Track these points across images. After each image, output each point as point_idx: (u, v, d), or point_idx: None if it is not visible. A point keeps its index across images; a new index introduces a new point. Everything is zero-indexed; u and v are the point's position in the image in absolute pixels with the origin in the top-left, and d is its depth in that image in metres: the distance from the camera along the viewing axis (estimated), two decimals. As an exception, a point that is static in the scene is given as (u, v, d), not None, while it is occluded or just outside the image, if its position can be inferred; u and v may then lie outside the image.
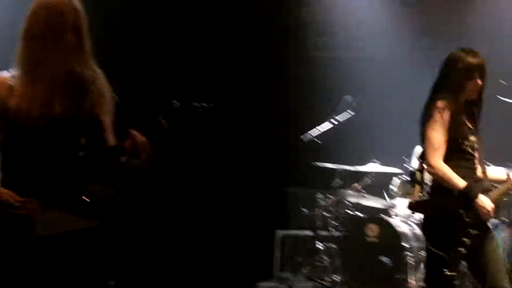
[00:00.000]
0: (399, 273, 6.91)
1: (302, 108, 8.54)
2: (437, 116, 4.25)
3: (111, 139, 3.34)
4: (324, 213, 7.50)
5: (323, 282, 7.31)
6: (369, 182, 7.45)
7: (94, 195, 3.19)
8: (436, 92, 4.37)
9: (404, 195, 7.25)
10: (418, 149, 7.87)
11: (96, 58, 3.38)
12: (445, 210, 4.21)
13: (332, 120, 7.11)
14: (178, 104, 3.27)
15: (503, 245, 6.73)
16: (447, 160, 4.24)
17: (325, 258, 7.50)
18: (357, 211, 7.46)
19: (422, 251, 7.07)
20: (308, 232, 7.86)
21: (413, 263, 6.92)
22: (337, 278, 7.18)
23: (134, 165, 3.25)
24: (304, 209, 7.96)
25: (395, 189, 7.36)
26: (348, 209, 7.48)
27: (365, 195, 7.48)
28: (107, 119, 3.33)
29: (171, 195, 8.16)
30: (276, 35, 8.76)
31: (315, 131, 7.09)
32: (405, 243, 6.92)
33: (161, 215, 8.04)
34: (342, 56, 8.92)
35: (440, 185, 4.32)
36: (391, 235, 6.95)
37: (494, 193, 4.32)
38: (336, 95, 7.64)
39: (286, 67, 8.84)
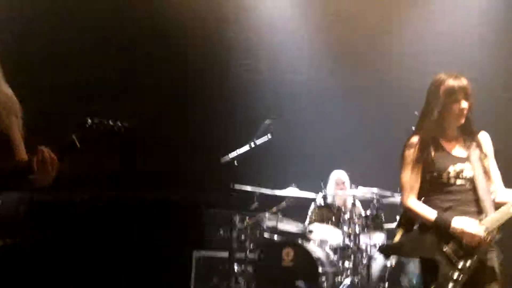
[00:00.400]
0: (313, 298, 6.96)
1: (222, 130, 8.54)
2: (405, 153, 4.14)
3: (22, 155, 3.28)
4: (241, 235, 7.48)
5: (238, 306, 7.27)
6: (286, 206, 7.47)
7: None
8: (419, 122, 4.21)
9: (321, 220, 7.32)
10: (335, 174, 8.03)
11: (8, 76, 3.33)
12: (420, 250, 4.00)
13: (252, 143, 7.10)
14: (93, 122, 3.24)
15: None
16: (426, 197, 4.07)
17: (241, 280, 7.49)
18: (274, 234, 7.47)
19: (337, 277, 7.19)
20: (225, 254, 7.81)
21: (327, 288, 6.98)
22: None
23: (40, 181, 3.21)
24: (221, 231, 7.93)
25: (312, 214, 7.40)
26: (265, 232, 7.49)
27: (282, 219, 7.51)
28: (17, 135, 3.27)
29: (85, 214, 7.99)
30: (197, 55, 8.74)
31: (234, 154, 7.07)
32: (320, 268, 6.97)
33: (75, 234, 7.87)
34: (265, 78, 8.95)
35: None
36: (307, 260, 6.99)
37: (495, 216, 3.92)
38: (257, 118, 7.64)
39: (209, 89, 8.82)
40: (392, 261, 7.00)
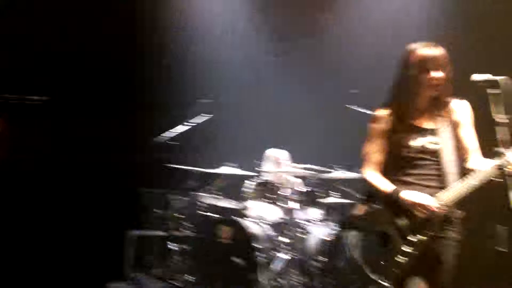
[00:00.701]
0: (250, 274, 7.00)
1: (157, 109, 8.48)
2: (370, 125, 4.07)
3: None
4: (177, 214, 7.48)
5: (175, 283, 7.28)
6: (222, 184, 7.50)
7: None
8: (391, 91, 4.07)
9: (257, 197, 7.37)
10: (269, 152, 8.08)
11: None
12: (375, 224, 3.96)
13: (187, 122, 7.08)
14: (14, 97, 3.17)
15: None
16: (388, 171, 4.00)
17: (177, 259, 7.50)
18: (210, 212, 7.50)
19: (273, 252, 7.27)
20: (161, 233, 7.81)
21: (264, 263, 7.05)
22: (189, 278, 7.17)
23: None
24: (157, 210, 7.91)
25: (247, 191, 7.45)
26: (201, 210, 7.51)
27: (218, 196, 7.54)
28: None
29: (15, 194, 7.83)
30: (131, 35, 8.62)
31: (169, 133, 7.05)
32: (256, 244, 7.03)
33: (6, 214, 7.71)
34: (199, 57, 8.92)
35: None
36: (243, 236, 7.03)
37: (452, 190, 3.79)
38: (191, 98, 7.63)
39: (142, 68, 8.74)
40: (329, 235, 7.12)
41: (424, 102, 3.95)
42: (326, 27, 8.61)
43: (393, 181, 3.94)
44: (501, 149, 3.53)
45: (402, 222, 3.84)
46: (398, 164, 3.94)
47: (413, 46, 3.96)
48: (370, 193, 4.09)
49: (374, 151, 4.04)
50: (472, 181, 3.70)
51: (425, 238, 3.78)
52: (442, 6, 7.80)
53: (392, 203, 3.86)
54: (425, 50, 3.88)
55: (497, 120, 3.53)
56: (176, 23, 8.80)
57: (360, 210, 4.08)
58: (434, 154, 3.87)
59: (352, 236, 6.90)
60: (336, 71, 8.46)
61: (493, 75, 3.67)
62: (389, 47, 7.90)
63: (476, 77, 3.71)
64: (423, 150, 3.90)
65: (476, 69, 3.84)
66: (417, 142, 3.91)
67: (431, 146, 3.89)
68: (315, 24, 8.68)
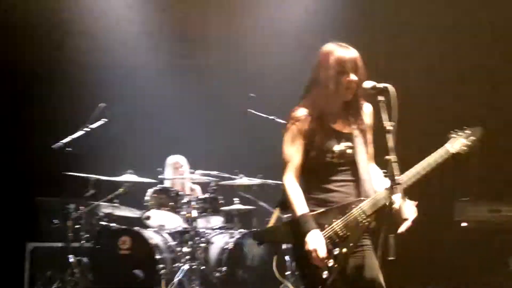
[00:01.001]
0: (152, 285, 6.84)
1: (56, 115, 8.20)
2: (289, 127, 3.82)
3: None
4: (76, 224, 7.21)
5: (74, 297, 7.02)
6: (123, 192, 7.27)
7: None
8: (305, 92, 3.89)
9: (158, 206, 7.20)
10: (172, 159, 7.93)
11: None
12: (294, 236, 3.71)
13: (86, 128, 6.85)
14: None
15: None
16: (309, 175, 3.81)
17: (77, 271, 7.24)
18: (111, 222, 7.27)
19: (176, 263, 7.11)
20: (60, 244, 7.51)
21: (166, 275, 6.88)
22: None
23: None
24: (55, 220, 7.63)
25: (149, 200, 7.26)
26: (101, 220, 7.27)
27: (119, 206, 7.31)
28: None
29: None
30: (30, 38, 8.35)
31: (67, 139, 6.79)
32: (158, 255, 6.86)
33: None
34: (101, 62, 8.69)
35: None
36: (144, 247, 6.87)
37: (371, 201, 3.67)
38: (91, 103, 7.37)
39: (41, 72, 8.44)
40: (230, 244, 7.02)
41: (341, 105, 3.83)
42: (227, 28, 8.51)
43: (315, 188, 3.77)
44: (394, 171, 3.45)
45: (325, 235, 3.63)
46: (320, 169, 3.78)
47: (331, 46, 3.80)
48: (286, 200, 3.81)
49: (294, 154, 3.78)
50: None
51: (348, 250, 3.63)
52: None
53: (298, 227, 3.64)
54: (345, 51, 3.75)
55: (386, 127, 3.48)
56: (78, 28, 8.53)
57: (273, 220, 4.00)
58: (352, 160, 3.76)
59: (253, 246, 6.90)
60: (238, 73, 8.42)
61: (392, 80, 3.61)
62: (290, 53, 8.02)
63: (365, 84, 3.67)
64: (343, 156, 3.77)
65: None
66: (340, 146, 3.77)
67: (351, 151, 3.77)
68: (217, 25, 8.57)
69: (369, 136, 3.90)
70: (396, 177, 3.42)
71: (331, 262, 3.58)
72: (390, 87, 3.55)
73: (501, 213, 6.85)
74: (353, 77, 3.71)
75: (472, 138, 3.85)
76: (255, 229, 7.34)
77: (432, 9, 8.02)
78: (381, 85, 3.60)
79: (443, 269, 7.17)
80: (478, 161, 7.02)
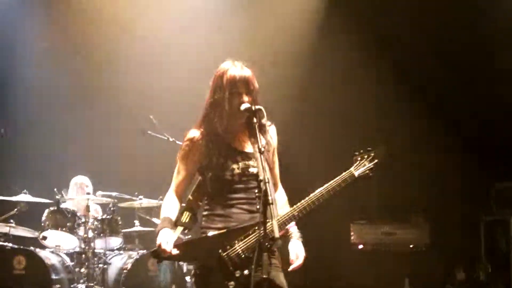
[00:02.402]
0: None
1: None
2: (182, 147, 3.81)
3: None
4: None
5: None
6: (18, 212, 7.17)
7: None
8: (203, 113, 3.83)
9: (55, 226, 7.14)
10: (77, 179, 7.89)
11: None
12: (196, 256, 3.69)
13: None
14: None
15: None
16: (213, 194, 3.76)
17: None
18: (7, 242, 7.13)
19: (73, 284, 7.07)
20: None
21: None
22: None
23: None
24: None
25: (46, 220, 7.19)
26: (-5, 241, 7.14)
27: (15, 226, 7.19)
28: None
29: None
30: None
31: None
32: (54, 275, 6.81)
33: None
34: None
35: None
36: (40, 267, 6.78)
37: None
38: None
39: None
40: (128, 264, 7.05)
41: (238, 125, 3.74)
42: (124, 46, 8.55)
43: (218, 206, 3.73)
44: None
45: (228, 255, 3.60)
46: (221, 188, 3.72)
47: (226, 65, 3.78)
48: (188, 218, 3.81)
49: (181, 171, 3.78)
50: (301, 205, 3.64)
51: (247, 272, 3.55)
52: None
53: (218, 236, 3.64)
54: (237, 71, 3.72)
55: (261, 149, 3.50)
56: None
57: (174, 239, 3.66)
58: (255, 178, 3.58)
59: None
60: (138, 98, 8.49)
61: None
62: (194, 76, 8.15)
63: (241, 107, 3.66)
64: (246, 174, 3.72)
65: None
66: (240, 165, 3.72)
67: (253, 170, 3.70)
68: (115, 42, 8.60)
69: (275, 157, 3.90)
70: (268, 197, 3.34)
71: (231, 285, 3.54)
72: (262, 108, 3.60)
73: (396, 236, 7.13)
74: (245, 97, 3.68)
75: (376, 161, 3.78)
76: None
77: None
78: (256, 107, 3.62)
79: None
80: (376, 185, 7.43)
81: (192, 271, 3.80)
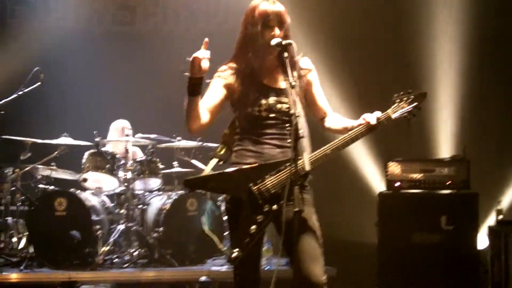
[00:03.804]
0: (88, 246, 6.95)
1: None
2: (213, 78, 3.78)
3: None
4: (13, 187, 7.25)
5: (12, 259, 7.06)
6: (59, 155, 7.33)
7: None
8: (235, 51, 3.82)
9: (95, 168, 7.26)
10: (117, 123, 7.99)
11: None
12: (226, 186, 3.68)
13: (20, 92, 6.82)
14: None
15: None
16: (241, 129, 3.78)
17: (15, 234, 7.30)
18: (48, 185, 7.31)
19: (113, 225, 7.23)
20: (-2, 207, 7.53)
21: (103, 236, 7.00)
22: (25, 253, 6.96)
23: None
24: (-8, 184, 7.62)
25: (86, 162, 7.32)
26: (38, 183, 7.32)
27: (56, 168, 7.36)
28: None
29: None
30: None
31: (1, 103, 6.75)
32: (94, 216, 6.96)
33: None
34: (36, 26, 8.63)
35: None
36: (80, 209, 6.95)
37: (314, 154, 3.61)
38: (27, 66, 7.32)
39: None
40: (167, 205, 7.16)
41: (271, 60, 3.74)
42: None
43: (247, 141, 3.74)
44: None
45: (257, 188, 3.59)
46: (250, 123, 3.74)
47: (256, 1, 3.75)
48: (224, 150, 3.83)
49: (208, 96, 3.73)
50: (335, 144, 3.64)
51: (276, 207, 3.56)
52: None
53: (251, 170, 3.62)
54: (269, 5, 3.70)
55: (291, 83, 3.51)
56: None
57: (208, 170, 3.72)
58: (285, 114, 3.67)
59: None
60: (173, 39, 8.48)
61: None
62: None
63: (272, 42, 3.63)
64: (272, 110, 3.72)
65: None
66: (268, 100, 3.72)
67: (283, 105, 3.71)
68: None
69: (316, 87, 3.91)
70: (299, 131, 3.39)
71: (260, 218, 3.56)
72: (293, 43, 3.60)
73: (434, 173, 7.06)
74: (277, 31, 3.68)
75: (415, 104, 3.78)
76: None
77: None
78: (286, 41, 3.62)
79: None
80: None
81: (224, 207, 3.82)
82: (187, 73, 3.57)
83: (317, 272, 3.57)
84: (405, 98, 3.78)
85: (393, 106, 3.77)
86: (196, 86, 3.58)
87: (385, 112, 3.74)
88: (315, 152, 3.65)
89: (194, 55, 3.51)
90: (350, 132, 3.69)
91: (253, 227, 3.56)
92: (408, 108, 3.77)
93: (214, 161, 3.80)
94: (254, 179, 3.61)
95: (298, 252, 3.55)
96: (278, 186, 3.59)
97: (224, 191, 3.83)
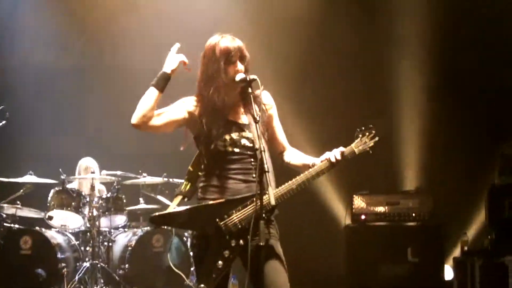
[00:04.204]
0: (54, 285, 6.89)
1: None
2: (178, 101, 3.78)
3: None
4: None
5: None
6: (24, 194, 7.26)
7: None
8: (198, 88, 3.83)
9: (60, 206, 7.23)
10: (84, 161, 7.96)
11: None
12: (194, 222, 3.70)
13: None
14: None
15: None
16: (207, 163, 3.75)
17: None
18: (14, 223, 7.23)
19: (79, 262, 7.17)
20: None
21: (68, 274, 6.96)
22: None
23: None
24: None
25: (51, 200, 7.28)
26: (2, 221, 7.23)
27: (21, 207, 7.29)
28: None
29: None
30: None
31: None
32: (59, 254, 6.91)
33: None
34: (1, 62, 8.64)
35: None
36: (46, 247, 6.90)
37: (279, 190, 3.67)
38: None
39: None
40: (132, 241, 7.13)
41: (233, 95, 3.79)
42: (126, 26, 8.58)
43: (212, 176, 3.74)
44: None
45: (225, 224, 3.63)
46: (214, 158, 3.73)
47: (216, 37, 3.80)
48: (189, 188, 3.81)
49: (167, 110, 3.75)
50: (300, 179, 3.70)
51: (242, 242, 3.60)
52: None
53: (216, 205, 3.66)
54: (229, 42, 3.75)
55: (256, 117, 3.59)
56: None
57: (173, 206, 3.74)
58: (249, 149, 3.72)
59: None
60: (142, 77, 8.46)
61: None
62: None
63: (236, 77, 3.69)
64: (239, 144, 3.73)
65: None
66: (233, 135, 3.73)
67: (247, 141, 3.74)
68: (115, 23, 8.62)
69: (276, 121, 3.95)
70: (264, 165, 3.44)
71: (226, 253, 3.59)
72: (257, 78, 3.63)
73: (399, 205, 7.16)
74: (240, 66, 3.73)
75: (376, 139, 3.88)
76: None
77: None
78: (251, 76, 3.67)
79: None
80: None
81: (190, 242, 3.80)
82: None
83: None
84: (367, 133, 3.87)
85: (356, 141, 3.85)
86: (165, 81, 3.73)
87: (349, 147, 3.82)
88: (281, 187, 3.69)
89: (182, 56, 3.74)
90: (315, 167, 3.76)
91: (220, 262, 3.59)
92: (370, 142, 3.86)
93: (178, 198, 3.81)
94: (220, 214, 3.64)
95: (266, 284, 3.58)
96: (244, 221, 3.62)
97: (190, 227, 3.86)
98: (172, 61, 3.78)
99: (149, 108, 3.71)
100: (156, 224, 3.86)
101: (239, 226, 3.62)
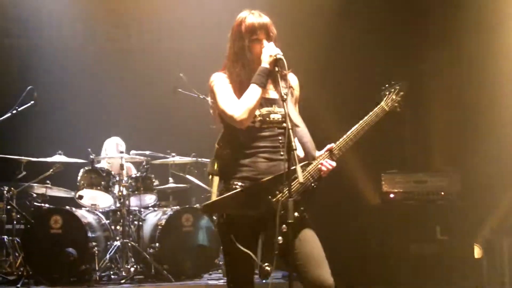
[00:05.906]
0: (85, 263, 6.95)
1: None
2: (218, 83, 3.69)
3: None
4: (8, 206, 7.25)
5: (8, 277, 7.06)
6: (54, 173, 7.34)
7: None
8: (226, 64, 3.78)
9: (90, 185, 7.29)
10: (111, 141, 8.02)
11: None
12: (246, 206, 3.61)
13: (14, 111, 6.83)
14: None
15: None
16: (234, 141, 3.68)
17: (9, 251, 7.29)
18: (44, 203, 7.32)
19: (109, 241, 7.24)
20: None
21: (99, 253, 7.00)
22: (22, 271, 6.95)
23: None
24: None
25: (81, 180, 7.34)
26: (34, 201, 7.33)
27: (51, 186, 7.38)
28: None
29: None
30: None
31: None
32: (90, 233, 6.97)
33: None
34: (30, 44, 8.68)
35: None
36: (76, 226, 6.95)
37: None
38: (20, 85, 7.36)
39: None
40: (162, 220, 7.18)
41: (252, 70, 3.68)
42: (157, 12, 8.58)
43: (238, 152, 3.66)
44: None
45: (275, 199, 3.57)
46: (243, 134, 3.65)
47: (243, 14, 3.75)
48: (223, 166, 3.72)
49: (229, 95, 3.66)
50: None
51: (298, 215, 3.54)
52: None
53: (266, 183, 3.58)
54: (256, 18, 3.70)
55: (283, 95, 3.53)
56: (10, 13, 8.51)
57: (215, 185, 3.69)
58: (279, 124, 3.65)
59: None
60: (168, 54, 8.52)
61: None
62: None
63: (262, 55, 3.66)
64: (268, 120, 3.66)
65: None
66: (262, 111, 3.65)
67: (276, 116, 3.67)
68: (149, 9, 8.61)
69: (296, 107, 3.85)
70: (292, 143, 3.37)
71: (285, 228, 3.44)
72: (283, 58, 3.57)
73: (427, 184, 7.14)
74: (265, 44, 3.67)
75: (402, 93, 3.90)
76: (196, 204, 7.64)
77: None
78: (277, 56, 3.59)
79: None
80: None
81: (216, 221, 3.77)
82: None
83: (325, 276, 3.59)
84: (392, 90, 3.91)
85: (384, 99, 3.88)
86: (267, 77, 3.62)
87: (379, 105, 3.85)
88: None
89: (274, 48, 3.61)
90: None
91: (280, 238, 3.48)
92: (397, 98, 3.90)
93: (216, 179, 3.73)
94: (272, 191, 3.60)
95: (303, 259, 3.59)
96: (296, 194, 3.60)
97: (246, 209, 3.62)
98: (268, 54, 3.62)
99: (255, 105, 3.60)
100: (210, 212, 3.63)
101: (292, 199, 3.47)
